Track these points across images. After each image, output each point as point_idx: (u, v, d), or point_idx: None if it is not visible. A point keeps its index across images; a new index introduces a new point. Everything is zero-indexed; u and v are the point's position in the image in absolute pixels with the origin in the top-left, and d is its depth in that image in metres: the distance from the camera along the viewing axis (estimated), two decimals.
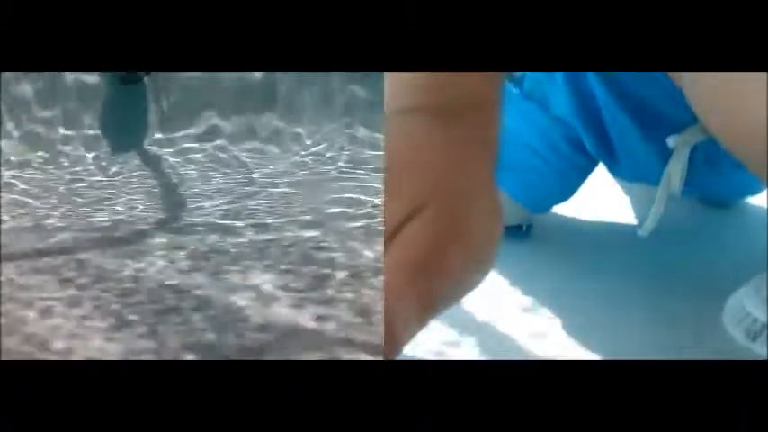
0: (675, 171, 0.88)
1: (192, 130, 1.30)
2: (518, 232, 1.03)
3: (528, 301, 0.93)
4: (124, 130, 1.35)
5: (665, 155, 0.88)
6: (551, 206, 1.03)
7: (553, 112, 0.95)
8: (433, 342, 0.86)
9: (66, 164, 1.22)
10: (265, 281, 0.91)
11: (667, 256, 1.01)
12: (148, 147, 1.27)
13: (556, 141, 0.96)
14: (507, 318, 0.90)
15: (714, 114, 0.79)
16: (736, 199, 1.10)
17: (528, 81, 0.96)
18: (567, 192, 1.01)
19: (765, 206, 1.13)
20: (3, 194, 1.10)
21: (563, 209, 1.10)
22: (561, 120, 0.94)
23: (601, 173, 1.08)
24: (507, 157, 0.98)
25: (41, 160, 1.21)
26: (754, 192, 1.07)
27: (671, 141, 0.87)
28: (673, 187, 0.88)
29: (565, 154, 0.96)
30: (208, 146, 1.28)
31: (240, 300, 0.87)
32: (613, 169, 0.97)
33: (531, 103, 0.96)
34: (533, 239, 1.05)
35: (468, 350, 0.85)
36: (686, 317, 0.89)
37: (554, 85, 0.93)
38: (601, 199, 1.15)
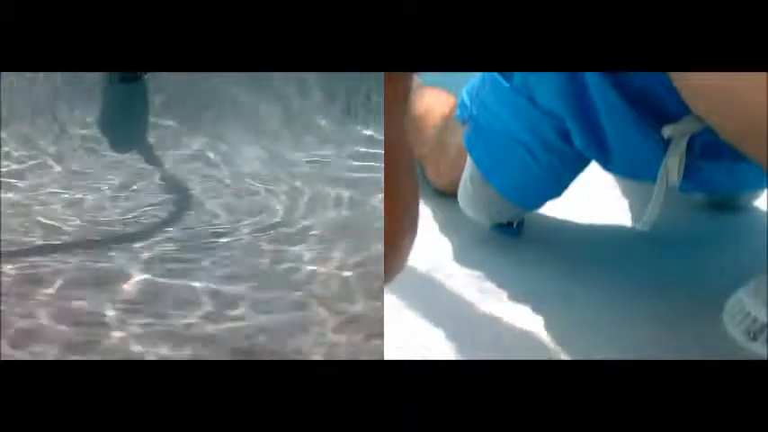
0: (673, 163, 0.88)
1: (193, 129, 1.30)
2: (509, 230, 1.04)
3: (526, 299, 0.93)
4: (124, 128, 1.35)
5: (662, 147, 0.88)
6: (542, 203, 1.03)
7: (543, 106, 0.95)
8: (424, 339, 0.86)
9: (65, 162, 1.22)
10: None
11: (667, 257, 1.01)
12: (149, 144, 1.27)
13: (546, 135, 0.95)
14: (505, 316, 0.90)
15: (705, 103, 0.79)
16: (738, 194, 1.09)
17: (518, 74, 0.96)
18: (556, 188, 1.01)
19: (765, 208, 1.13)
20: (3, 194, 1.10)
21: (561, 209, 1.11)
22: (551, 113, 0.94)
23: (598, 173, 1.08)
24: (497, 154, 0.99)
25: (41, 159, 1.21)
26: (756, 186, 1.06)
27: (666, 131, 0.87)
28: (671, 180, 0.88)
29: (555, 148, 0.96)
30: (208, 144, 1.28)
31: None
32: (606, 164, 0.96)
33: (520, 97, 0.96)
34: (533, 239, 1.05)
35: (459, 346, 0.85)
36: (686, 317, 0.89)
37: (545, 77, 0.93)
38: (599, 199, 1.15)
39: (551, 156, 0.97)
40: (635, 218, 1.10)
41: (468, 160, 1.02)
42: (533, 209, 1.04)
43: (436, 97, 1.14)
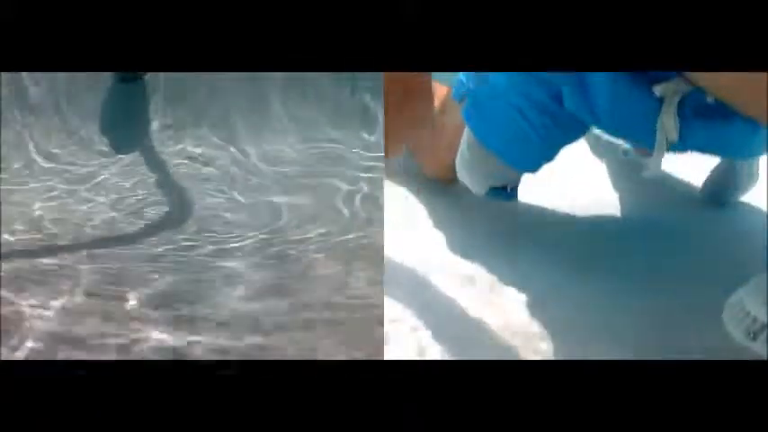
0: (668, 119, 0.91)
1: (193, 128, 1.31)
2: (504, 193, 1.05)
3: (524, 298, 0.93)
4: (124, 129, 1.34)
5: (656, 105, 0.91)
6: (535, 166, 1.05)
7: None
8: (422, 337, 0.86)
9: (66, 163, 1.22)
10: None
11: (667, 257, 1.01)
12: (149, 144, 1.27)
13: (539, 98, 0.99)
14: (502, 314, 0.90)
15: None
16: (737, 157, 1.11)
17: None
18: (549, 150, 1.03)
19: (765, 206, 1.13)
20: (3, 194, 1.10)
21: (558, 206, 1.11)
22: (543, 76, 0.97)
23: (594, 167, 1.08)
24: (493, 119, 1.01)
25: (42, 160, 1.21)
26: (752, 151, 1.08)
27: (658, 90, 0.90)
28: (669, 134, 0.91)
29: (548, 110, 0.99)
30: (210, 144, 1.28)
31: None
32: (599, 124, 0.99)
33: None
34: (531, 239, 1.05)
35: (457, 345, 0.85)
36: (686, 317, 0.89)
37: None
38: (596, 197, 1.15)
39: (544, 117, 0.99)
40: (628, 211, 1.11)
41: (466, 131, 1.04)
42: (527, 171, 1.05)
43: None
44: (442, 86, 1.15)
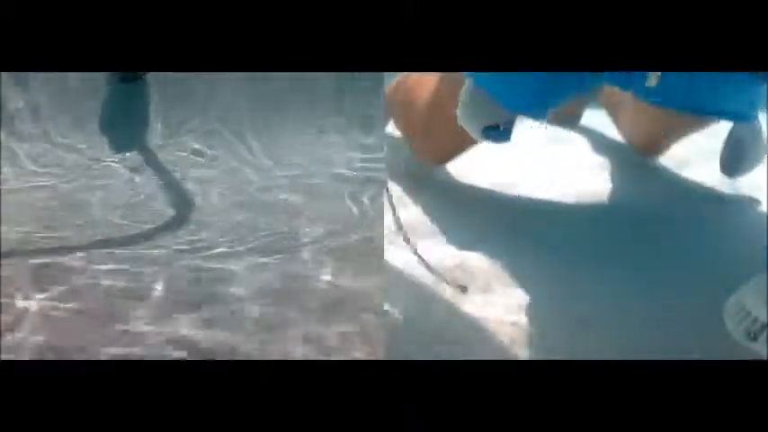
0: None
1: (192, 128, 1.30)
2: (497, 133, 1.07)
3: (524, 300, 0.93)
4: (124, 129, 1.35)
5: None
6: (529, 108, 1.08)
7: None
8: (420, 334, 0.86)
9: (66, 164, 1.22)
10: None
11: (667, 257, 1.01)
12: (149, 145, 1.27)
13: None
14: (501, 313, 0.90)
15: None
16: (718, 114, 1.15)
17: None
18: (544, 96, 1.06)
19: (765, 206, 1.13)
20: (3, 194, 1.10)
21: (557, 204, 1.11)
22: None
23: (597, 170, 1.08)
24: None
25: (43, 159, 1.21)
26: (735, 110, 1.12)
27: None
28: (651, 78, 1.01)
29: None
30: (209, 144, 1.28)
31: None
32: (595, 74, 1.05)
33: None
34: (530, 237, 1.05)
35: (456, 345, 0.85)
36: (686, 317, 0.89)
37: None
38: (597, 197, 1.15)
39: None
40: (628, 211, 1.12)
41: (466, 83, 1.07)
42: (520, 112, 1.08)
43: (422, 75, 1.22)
44: (434, 78, 1.18)
